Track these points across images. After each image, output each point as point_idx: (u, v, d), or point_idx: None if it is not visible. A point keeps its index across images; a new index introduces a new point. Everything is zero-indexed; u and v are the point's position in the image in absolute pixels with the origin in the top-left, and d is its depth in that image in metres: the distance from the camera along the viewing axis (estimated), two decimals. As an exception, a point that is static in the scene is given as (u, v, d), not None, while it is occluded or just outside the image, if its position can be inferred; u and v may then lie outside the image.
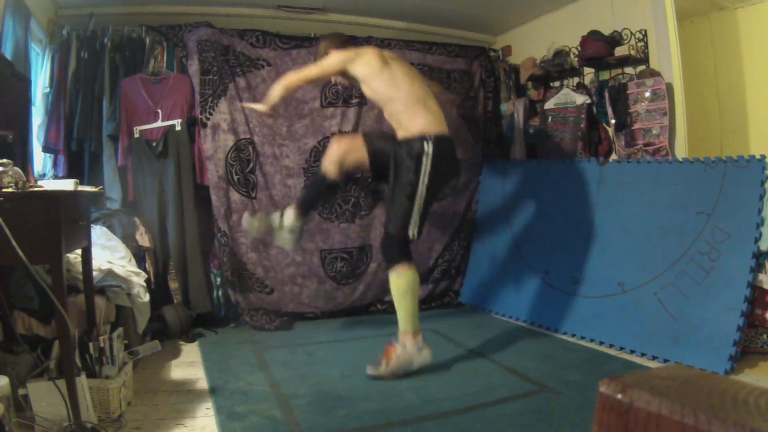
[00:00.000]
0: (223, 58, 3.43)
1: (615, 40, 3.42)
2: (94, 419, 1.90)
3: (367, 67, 2.65)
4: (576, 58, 3.71)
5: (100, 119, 3.31)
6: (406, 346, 2.51)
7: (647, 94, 3.19)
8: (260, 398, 2.27)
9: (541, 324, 3.35)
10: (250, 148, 3.49)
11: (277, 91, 2.71)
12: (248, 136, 3.48)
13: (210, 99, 3.39)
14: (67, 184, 2.05)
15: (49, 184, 2.07)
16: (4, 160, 1.69)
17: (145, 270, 3.00)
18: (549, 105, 3.83)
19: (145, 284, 2.72)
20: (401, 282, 2.55)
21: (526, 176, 3.82)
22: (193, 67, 3.40)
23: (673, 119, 3.16)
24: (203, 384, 2.45)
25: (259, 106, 2.84)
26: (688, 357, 2.55)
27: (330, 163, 2.78)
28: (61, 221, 1.69)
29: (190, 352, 2.94)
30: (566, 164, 3.56)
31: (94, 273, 2.35)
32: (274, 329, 3.37)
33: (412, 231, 2.56)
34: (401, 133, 2.63)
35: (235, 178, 3.44)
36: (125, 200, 3.35)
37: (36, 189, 1.75)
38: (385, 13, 4.13)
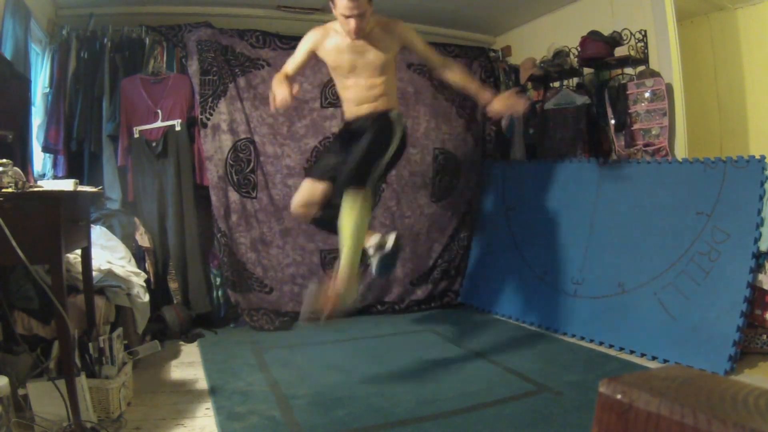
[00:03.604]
0: (222, 59, 3.43)
1: (615, 40, 3.41)
2: (93, 419, 1.90)
3: None
4: (576, 59, 3.70)
5: (100, 119, 3.31)
6: None
7: (647, 95, 3.19)
8: (260, 398, 2.27)
9: (541, 324, 3.35)
10: (251, 148, 3.49)
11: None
12: (248, 136, 3.48)
13: (210, 99, 3.39)
14: (67, 184, 2.04)
15: (49, 184, 2.06)
16: (4, 160, 1.69)
17: (144, 270, 3.00)
18: (549, 105, 3.83)
19: (144, 284, 2.72)
20: None
21: (526, 176, 3.81)
22: (193, 67, 3.40)
23: (673, 119, 3.15)
24: (203, 384, 2.45)
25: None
26: (688, 357, 2.55)
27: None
28: (61, 221, 1.69)
29: (190, 352, 2.94)
30: (566, 164, 3.56)
31: (94, 273, 2.35)
32: (273, 329, 3.36)
33: None
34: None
35: (235, 178, 3.44)
36: (125, 200, 3.35)
37: (36, 189, 1.75)
38: (385, 13, 4.10)
